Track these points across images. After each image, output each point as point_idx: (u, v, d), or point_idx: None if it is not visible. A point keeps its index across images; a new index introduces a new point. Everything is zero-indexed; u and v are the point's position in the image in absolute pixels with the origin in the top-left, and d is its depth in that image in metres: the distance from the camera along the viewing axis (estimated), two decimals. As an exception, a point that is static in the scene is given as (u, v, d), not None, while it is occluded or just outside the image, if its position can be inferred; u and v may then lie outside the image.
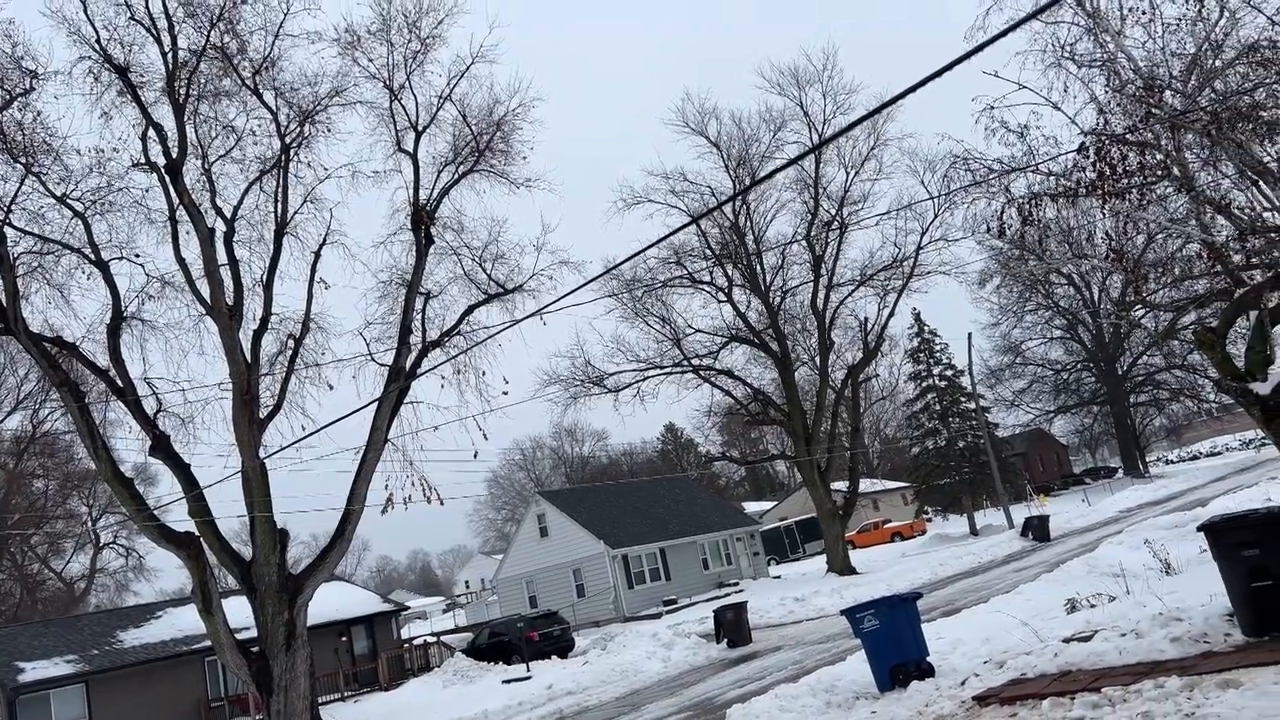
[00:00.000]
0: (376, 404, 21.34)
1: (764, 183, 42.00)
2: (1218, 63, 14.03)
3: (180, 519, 21.39)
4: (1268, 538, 9.48)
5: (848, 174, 42.17)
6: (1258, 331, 15.20)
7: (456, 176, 23.33)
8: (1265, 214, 14.06)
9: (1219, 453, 72.29)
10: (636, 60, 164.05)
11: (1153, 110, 13.66)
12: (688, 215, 40.89)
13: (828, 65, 48.54)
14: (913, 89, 7.46)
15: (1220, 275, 15.64)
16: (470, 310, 23.41)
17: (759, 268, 43.82)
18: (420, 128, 23.03)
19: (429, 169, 23.32)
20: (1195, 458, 74.93)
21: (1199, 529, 10.49)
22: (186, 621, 28.48)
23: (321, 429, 16.14)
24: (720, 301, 44.06)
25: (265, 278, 22.14)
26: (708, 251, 43.41)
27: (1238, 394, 15.42)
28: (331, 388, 22.40)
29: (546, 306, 16.10)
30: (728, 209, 43.37)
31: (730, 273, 43.61)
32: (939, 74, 7.28)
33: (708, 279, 43.68)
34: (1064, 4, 15.23)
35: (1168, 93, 13.98)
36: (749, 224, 44.19)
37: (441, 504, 20.74)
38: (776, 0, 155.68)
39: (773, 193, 44.91)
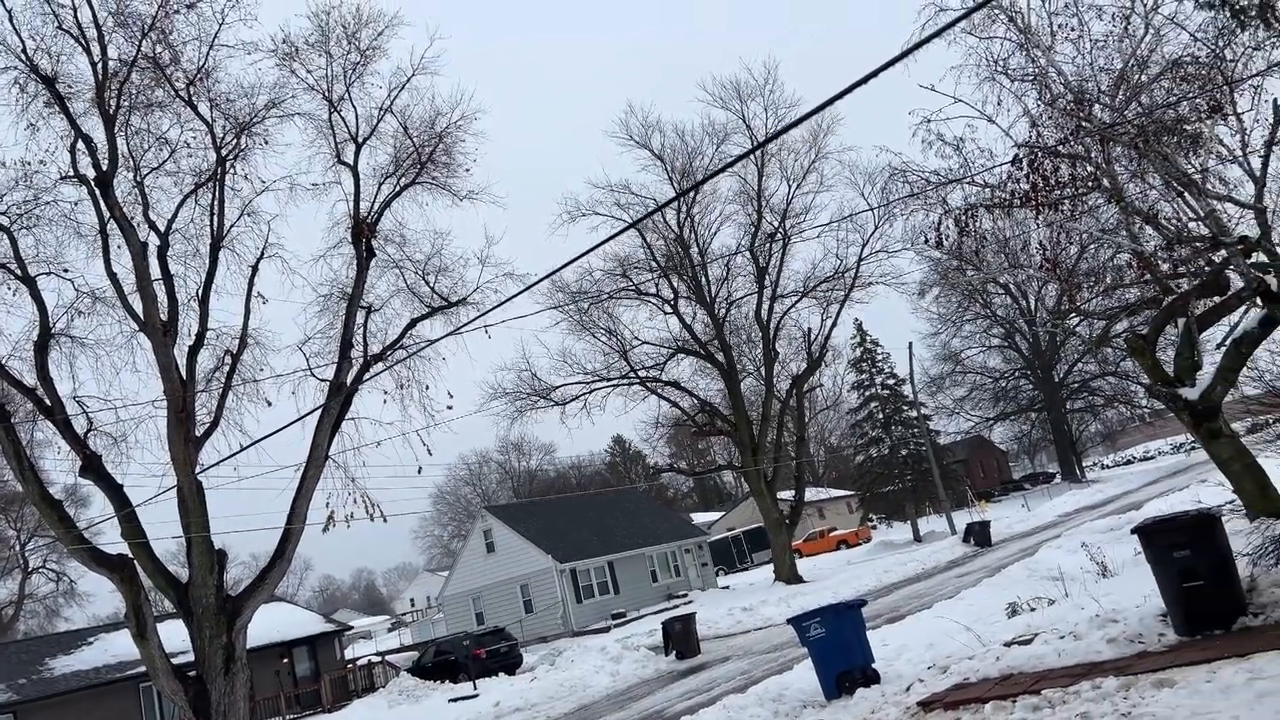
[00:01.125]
0: (317, 420, 20.99)
1: (705, 184, 42.22)
2: (1144, 78, 14.46)
3: (113, 541, 20.77)
4: (1198, 539, 9.72)
5: (789, 187, 42.69)
6: (1185, 338, 15.65)
7: (398, 189, 23.08)
8: (1191, 224, 14.49)
9: (1152, 457, 74.23)
10: (589, 70, 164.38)
11: (1083, 123, 14.03)
12: (634, 229, 40.97)
13: (769, 79, 48.85)
14: (845, 92, 7.57)
15: (1150, 284, 16.08)
16: (413, 324, 23.13)
17: (704, 279, 44.08)
18: (360, 139, 22.76)
19: (370, 181, 23.03)
20: (1129, 462, 76.85)
21: (1133, 532, 10.72)
22: (120, 647, 27.64)
23: (256, 443, 15.83)
24: (666, 313, 44.25)
25: (201, 292, 21.67)
26: (653, 264, 43.56)
27: (1168, 399, 15.85)
28: (270, 404, 21.97)
29: (486, 313, 16.02)
30: (672, 221, 43.61)
31: (676, 285, 43.82)
32: (869, 79, 7.39)
33: (653, 291, 43.85)
34: (997, 20, 15.61)
35: (1097, 106, 14.38)
36: (693, 236, 44.47)
37: (385, 521, 20.44)
38: (747, 8, 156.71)
39: (716, 205, 45.30)
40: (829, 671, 12.25)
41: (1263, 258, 13.86)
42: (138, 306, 20.72)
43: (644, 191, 42.96)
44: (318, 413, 20.83)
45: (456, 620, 44.99)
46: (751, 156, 41.14)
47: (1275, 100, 13.15)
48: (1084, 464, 73.39)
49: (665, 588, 44.57)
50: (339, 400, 21.42)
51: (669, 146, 43.00)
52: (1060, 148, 14.22)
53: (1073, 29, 14.79)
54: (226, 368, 21.56)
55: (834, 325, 44.51)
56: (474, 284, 23.30)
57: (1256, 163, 13.65)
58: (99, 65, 20.19)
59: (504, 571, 43.00)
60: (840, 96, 8.26)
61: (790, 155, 42.14)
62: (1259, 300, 14.05)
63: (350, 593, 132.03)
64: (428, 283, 23.46)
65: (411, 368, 22.16)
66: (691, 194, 42.63)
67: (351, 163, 22.75)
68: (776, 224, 42.91)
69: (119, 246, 20.76)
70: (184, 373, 20.85)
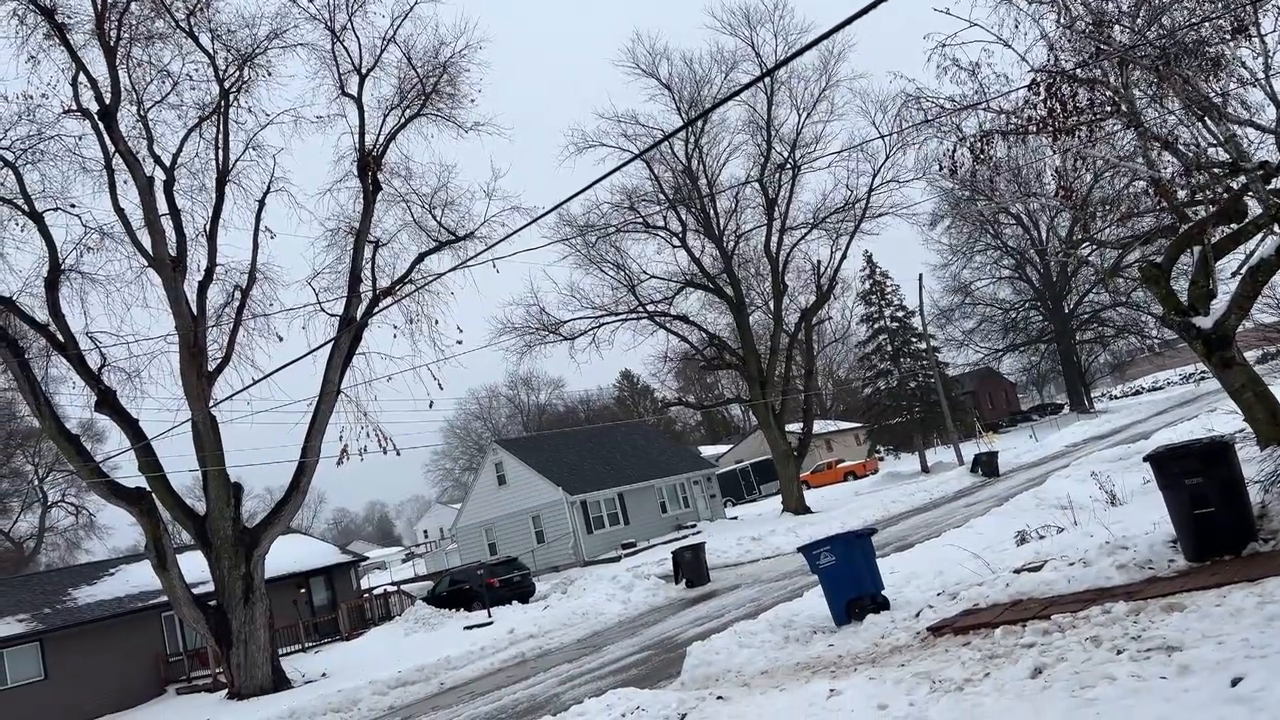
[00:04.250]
0: (328, 355, 21.06)
1: (713, 114, 41.68)
2: (1166, -2, 14.06)
3: (130, 475, 21.06)
4: (1209, 466, 9.75)
5: (799, 116, 42.04)
6: (1201, 266, 15.49)
7: (403, 120, 22.85)
8: (1210, 149, 14.24)
9: (1160, 388, 74.20)
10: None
11: (1102, 47, 13.69)
12: (642, 161, 40.54)
13: (779, 4, 47.88)
14: (857, 15, 7.39)
15: (1166, 211, 15.86)
16: (421, 258, 23.10)
17: (712, 212, 43.69)
18: (364, 71, 22.47)
19: (374, 113, 22.82)
20: (1138, 393, 76.85)
21: (1144, 459, 10.74)
22: (141, 578, 28.17)
23: (268, 376, 15.93)
24: (674, 247, 43.97)
25: (208, 227, 21.63)
26: (661, 196, 43.16)
27: (1181, 328, 15.76)
28: (281, 339, 22.08)
29: (493, 245, 15.96)
30: (680, 152, 43.10)
31: (684, 217, 43.46)
32: (866, 10, 7.22)
33: (661, 224, 43.51)
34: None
35: (1116, 29, 14.02)
36: (701, 168, 43.98)
37: (398, 454, 20.69)
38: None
39: (725, 136, 44.71)
40: (839, 598, 12.43)
41: (1283, 183, 13.64)
42: (146, 242, 20.70)
43: (651, 122, 42.41)
44: (328, 347, 20.92)
45: (470, 551, 45.73)
46: (761, 85, 40.46)
47: (1301, 20, 12.81)
48: (1092, 395, 73.42)
49: (674, 518, 45.12)
50: (349, 334, 21.48)
51: (676, 75, 42.34)
52: (1078, 72, 13.92)
53: (1094, -53, 14.36)
54: (236, 303, 21.61)
55: (844, 257, 44.22)
56: (481, 218, 23.25)
57: (1279, 86, 13.36)
58: (98, -5, 19.86)
59: (516, 503, 43.54)
60: (852, 20, 8.06)
61: (800, 83, 41.47)
62: (1277, 227, 13.87)
63: (364, 525, 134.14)
64: (434, 216, 23.39)
65: (420, 302, 22.21)
66: (699, 124, 42.03)
67: (355, 94, 22.50)
68: (786, 154, 42.37)
69: (125, 182, 20.68)
70: (194, 308, 20.90)
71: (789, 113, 42.38)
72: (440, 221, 23.45)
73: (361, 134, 22.42)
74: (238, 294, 21.81)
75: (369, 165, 22.31)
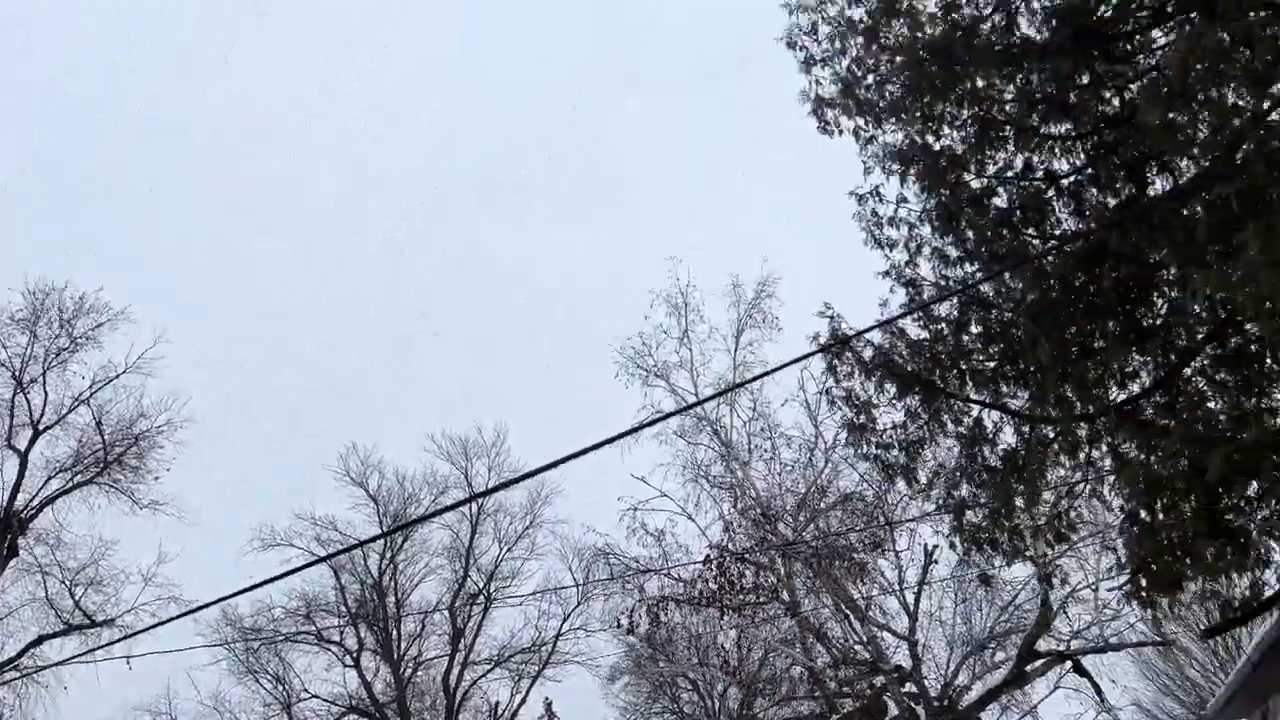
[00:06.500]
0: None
1: (416, 534, 41.25)
2: (822, 504, 16.16)
3: None
4: None
5: (501, 548, 42.50)
6: (849, 758, 16.19)
7: (69, 485, 20.99)
8: (856, 646, 15.61)
9: None
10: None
11: (768, 537, 15.25)
12: (329, 567, 38.77)
13: (498, 443, 50.34)
14: (558, 463, 7.78)
15: (820, 698, 16.84)
16: (39, 641, 20.05)
17: (395, 633, 41.58)
18: (42, 426, 20.89)
19: (38, 472, 20.84)
20: None
21: None
22: None
23: None
24: (347, 665, 40.73)
25: None
26: (343, 609, 40.80)
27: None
28: None
29: (132, 634, 14.08)
30: (374, 565, 41.75)
31: (363, 635, 40.90)
32: (581, 454, 7.68)
33: (338, 639, 40.66)
34: (704, 429, 17.23)
35: (781, 524, 15.77)
36: (394, 585, 42.52)
37: None
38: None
39: (424, 556, 44.06)
40: None
41: (914, 688, 14.98)
42: None
43: (350, 531, 41.15)
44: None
45: None
46: (467, 513, 41.07)
47: (925, 545, 15.01)
48: None
49: None
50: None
51: (386, 489, 42.01)
52: (747, 555, 15.27)
53: (766, 450, 16.56)
54: None
55: (523, 701, 42.48)
56: (129, 604, 20.90)
57: (911, 597, 15.21)
58: None
59: None
60: (555, 465, 8.48)
61: (506, 518, 42.45)
62: (911, 728, 14.95)
63: None
64: (74, 595, 20.81)
65: (20, 693, 18.85)
66: (399, 539, 41.39)
67: (23, 449, 20.68)
68: (482, 585, 42.08)
69: None
70: None
71: (491, 543, 42.76)
72: (79, 602, 20.80)
73: (15, 491, 20.22)
74: None
75: (12, 527, 19.88)
